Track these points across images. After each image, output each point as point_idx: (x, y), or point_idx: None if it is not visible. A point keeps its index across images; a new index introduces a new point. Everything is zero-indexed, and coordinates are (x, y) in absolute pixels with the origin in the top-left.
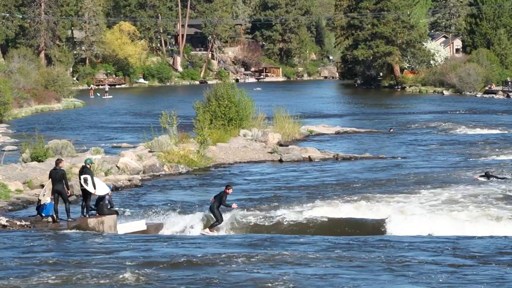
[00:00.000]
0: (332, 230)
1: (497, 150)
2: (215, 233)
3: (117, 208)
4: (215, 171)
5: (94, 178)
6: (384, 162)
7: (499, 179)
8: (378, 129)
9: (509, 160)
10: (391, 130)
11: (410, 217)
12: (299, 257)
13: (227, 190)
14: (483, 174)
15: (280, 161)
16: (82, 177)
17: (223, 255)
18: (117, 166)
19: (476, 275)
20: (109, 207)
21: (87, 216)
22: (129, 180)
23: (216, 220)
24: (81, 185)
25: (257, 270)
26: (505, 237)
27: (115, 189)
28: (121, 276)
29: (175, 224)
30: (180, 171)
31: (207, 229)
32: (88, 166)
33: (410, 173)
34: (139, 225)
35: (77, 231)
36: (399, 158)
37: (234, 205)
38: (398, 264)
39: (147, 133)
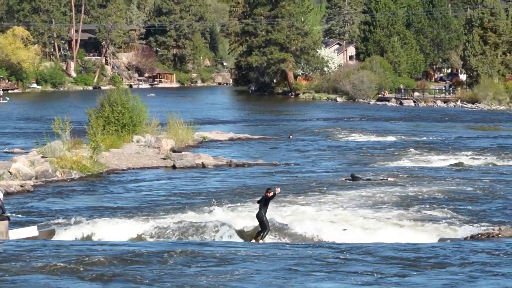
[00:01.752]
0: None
1: (386, 156)
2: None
3: (8, 214)
4: (108, 177)
5: None
6: (276, 168)
7: (364, 180)
8: (272, 135)
9: (395, 166)
10: (291, 136)
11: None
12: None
13: (268, 194)
14: (349, 177)
15: (174, 167)
16: None
17: (86, 259)
18: (9, 171)
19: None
20: (0, 212)
21: None
22: (21, 186)
23: (264, 228)
24: None
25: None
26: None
27: (7, 194)
28: None
29: (68, 230)
30: (72, 176)
31: (254, 240)
32: None
33: (299, 178)
34: (31, 231)
35: None
36: (292, 164)
37: (278, 190)
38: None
39: (40, 139)
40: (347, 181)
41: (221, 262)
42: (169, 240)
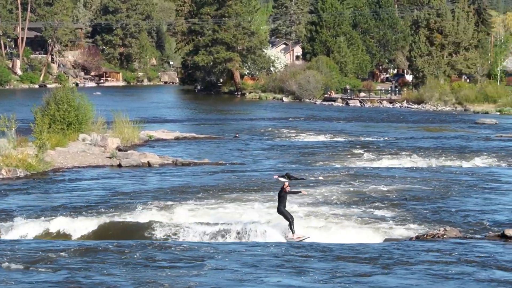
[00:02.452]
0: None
1: (332, 156)
2: (300, 237)
3: None
4: (53, 176)
5: None
6: (221, 167)
7: (298, 180)
8: (218, 135)
9: (340, 166)
10: (237, 135)
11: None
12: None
13: (285, 188)
14: (283, 175)
15: (119, 166)
16: None
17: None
18: None
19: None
20: None
21: None
22: None
23: (288, 220)
24: None
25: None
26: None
27: None
28: None
29: (12, 229)
30: (18, 175)
31: (291, 235)
32: None
33: (243, 176)
34: None
35: None
36: (238, 164)
37: (304, 192)
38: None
39: None
40: (281, 178)
41: (180, 260)
42: (107, 239)
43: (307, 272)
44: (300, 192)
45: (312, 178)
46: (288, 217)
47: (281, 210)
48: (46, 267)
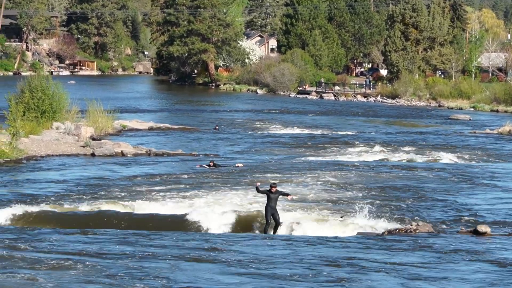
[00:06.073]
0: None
1: (306, 149)
2: None
3: None
4: (26, 163)
5: None
6: (195, 158)
7: (221, 167)
8: (192, 126)
9: (313, 160)
10: (217, 128)
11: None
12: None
13: (273, 189)
14: (209, 163)
15: (93, 155)
16: None
17: None
18: None
19: None
20: None
21: None
22: None
23: (267, 220)
24: None
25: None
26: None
27: None
28: None
29: None
30: None
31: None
32: None
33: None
34: None
35: None
36: (212, 155)
37: (291, 197)
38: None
39: None
40: (206, 166)
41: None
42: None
43: (274, 265)
44: (289, 195)
45: (287, 172)
46: (268, 219)
47: (273, 213)
48: None
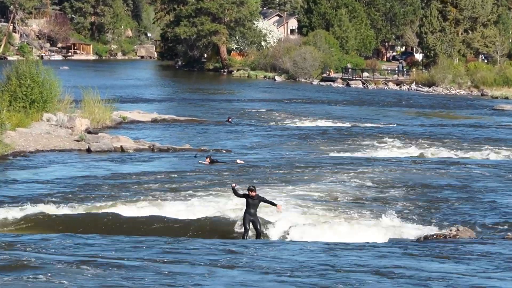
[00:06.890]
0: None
1: (330, 144)
2: None
3: None
4: (13, 160)
5: None
6: (204, 155)
7: (220, 163)
8: (201, 117)
9: (342, 155)
10: (230, 120)
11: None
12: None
13: (251, 193)
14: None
15: (88, 150)
16: None
17: None
18: None
19: None
20: None
21: None
22: None
23: (245, 227)
24: None
25: None
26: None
27: None
28: None
29: None
30: None
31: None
32: None
33: (228, 166)
34: None
35: None
36: (224, 151)
37: (279, 208)
38: None
39: None
40: (204, 163)
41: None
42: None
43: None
44: (276, 205)
45: (310, 168)
46: (246, 225)
47: (253, 220)
48: None
